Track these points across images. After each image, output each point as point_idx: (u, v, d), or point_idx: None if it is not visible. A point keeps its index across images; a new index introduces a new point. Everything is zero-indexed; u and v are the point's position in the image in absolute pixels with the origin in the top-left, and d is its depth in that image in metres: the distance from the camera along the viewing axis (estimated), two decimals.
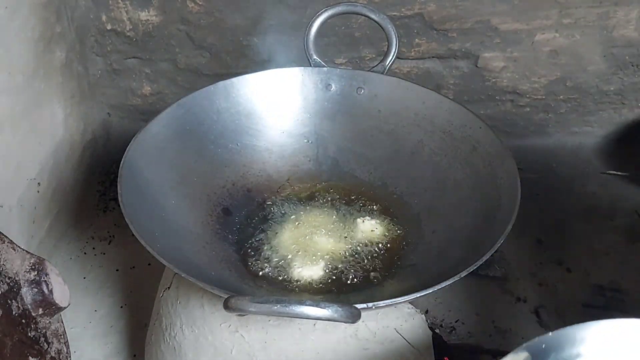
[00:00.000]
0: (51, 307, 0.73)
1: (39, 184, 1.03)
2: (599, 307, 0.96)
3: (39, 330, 0.72)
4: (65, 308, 0.74)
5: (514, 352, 0.49)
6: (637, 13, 1.11)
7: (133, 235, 0.64)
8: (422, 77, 1.22)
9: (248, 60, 1.22)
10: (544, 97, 1.23)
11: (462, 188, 0.80)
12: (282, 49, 1.20)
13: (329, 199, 0.87)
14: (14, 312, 0.68)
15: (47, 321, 0.74)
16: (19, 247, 0.73)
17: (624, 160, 1.23)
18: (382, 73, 0.89)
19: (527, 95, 1.23)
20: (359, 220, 0.83)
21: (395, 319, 0.71)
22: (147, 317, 0.86)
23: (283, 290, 0.74)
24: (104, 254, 1.09)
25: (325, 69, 0.91)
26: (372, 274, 0.76)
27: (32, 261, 0.73)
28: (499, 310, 0.96)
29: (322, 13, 0.89)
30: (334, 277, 0.76)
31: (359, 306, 0.57)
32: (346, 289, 0.74)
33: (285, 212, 0.84)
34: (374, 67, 0.90)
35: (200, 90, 0.87)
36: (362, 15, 0.89)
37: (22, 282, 0.71)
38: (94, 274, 1.05)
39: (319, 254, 0.78)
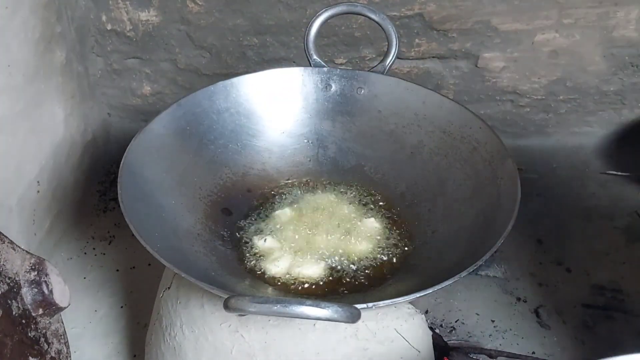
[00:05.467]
0: (51, 307, 0.73)
1: (38, 183, 1.03)
2: (599, 307, 0.96)
3: (39, 331, 0.72)
4: (65, 308, 0.74)
5: None
6: (637, 13, 1.11)
7: (133, 235, 0.64)
8: (422, 77, 1.22)
9: (248, 60, 1.22)
10: (544, 97, 1.23)
11: (462, 188, 0.80)
12: (282, 49, 1.20)
13: (329, 199, 0.87)
14: (14, 312, 0.68)
15: (47, 321, 0.74)
16: (19, 247, 0.73)
17: (624, 160, 1.23)
18: (382, 73, 0.89)
19: (527, 96, 1.23)
20: (358, 219, 0.83)
21: (395, 319, 0.71)
22: (147, 317, 0.86)
23: (283, 290, 0.74)
24: (104, 254, 1.09)
25: (325, 69, 0.91)
26: (372, 273, 0.76)
27: (32, 261, 0.73)
28: (499, 310, 0.96)
29: (322, 13, 0.89)
30: (334, 277, 0.76)
31: (359, 306, 0.57)
32: (346, 288, 0.74)
33: (285, 212, 0.84)
34: (374, 67, 0.90)
35: (200, 90, 0.87)
36: (362, 15, 0.89)
37: (22, 282, 0.71)
38: (94, 274, 1.05)
39: (319, 253, 0.78)
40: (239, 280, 0.74)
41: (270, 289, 0.74)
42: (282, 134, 0.91)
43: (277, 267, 0.76)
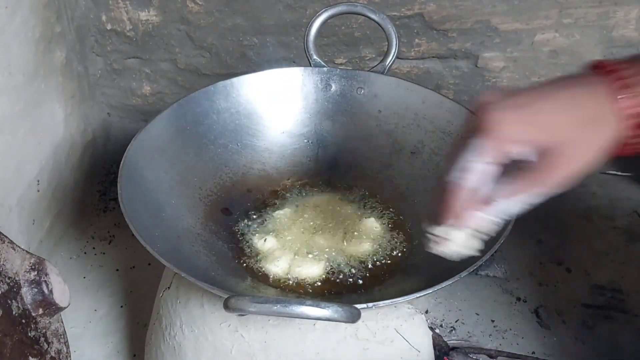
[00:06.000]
0: (51, 307, 0.73)
1: (38, 183, 1.03)
2: (599, 307, 0.96)
3: (39, 330, 0.72)
4: (65, 308, 0.74)
5: None
6: (637, 13, 1.11)
7: (133, 235, 0.64)
8: (422, 77, 1.22)
9: (248, 60, 1.22)
10: None
11: None
12: (282, 50, 1.20)
13: (329, 199, 0.87)
14: (14, 312, 0.68)
15: (47, 321, 0.74)
16: (19, 247, 0.73)
17: (624, 160, 1.23)
18: (382, 73, 0.89)
19: None
20: (358, 219, 0.83)
21: (395, 319, 0.71)
22: (147, 317, 0.86)
23: (283, 290, 0.74)
24: (104, 254, 1.09)
25: (325, 69, 0.91)
26: (372, 273, 0.76)
27: (32, 261, 0.73)
28: (499, 310, 0.96)
29: (322, 13, 0.89)
30: (334, 277, 0.76)
31: (359, 306, 0.57)
32: (346, 288, 0.74)
33: (285, 212, 0.84)
34: (374, 67, 0.90)
35: (200, 90, 0.87)
36: (362, 15, 0.89)
37: (22, 282, 0.71)
38: (94, 274, 1.05)
39: (319, 253, 0.78)
40: (239, 280, 0.74)
41: (270, 289, 0.74)
42: (282, 134, 0.91)
43: (277, 267, 0.76)
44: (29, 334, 0.70)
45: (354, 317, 0.56)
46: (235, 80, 0.89)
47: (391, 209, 0.85)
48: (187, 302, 0.74)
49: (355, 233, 0.81)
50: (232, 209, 0.85)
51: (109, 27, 1.20)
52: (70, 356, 0.78)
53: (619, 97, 0.48)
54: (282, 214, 0.83)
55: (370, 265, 0.77)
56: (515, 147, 0.49)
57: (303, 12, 1.14)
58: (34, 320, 0.71)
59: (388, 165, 0.89)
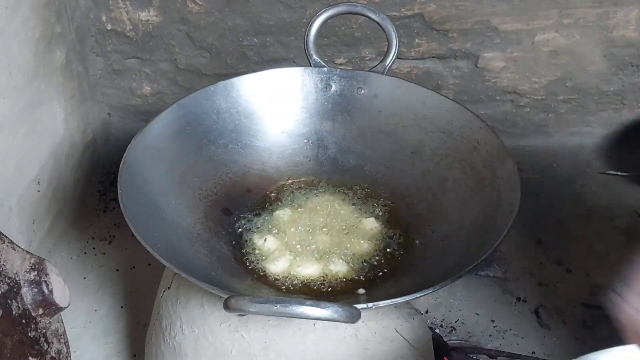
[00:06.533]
0: (51, 307, 0.73)
1: (38, 183, 1.03)
2: (599, 307, 0.96)
3: (39, 330, 0.72)
4: (65, 308, 0.74)
5: None
6: (637, 13, 1.11)
7: (133, 235, 0.64)
8: (422, 77, 1.22)
9: (248, 60, 1.22)
10: (544, 97, 1.23)
11: (462, 188, 0.80)
12: (281, 49, 1.20)
13: (329, 199, 0.87)
14: (14, 312, 0.68)
15: (47, 321, 0.74)
16: (19, 247, 0.73)
17: (624, 160, 1.23)
18: (382, 73, 0.89)
19: (527, 96, 1.23)
20: (358, 219, 0.83)
21: (395, 319, 0.71)
22: (147, 317, 0.86)
23: (283, 290, 0.74)
24: (104, 254, 1.09)
25: (325, 69, 0.91)
26: (371, 273, 0.76)
27: (32, 261, 0.73)
28: (499, 310, 0.96)
29: (322, 13, 0.89)
30: (334, 277, 0.76)
31: (359, 306, 0.57)
32: (346, 288, 0.74)
33: (285, 212, 0.84)
34: (374, 67, 0.90)
35: (200, 90, 0.87)
36: (362, 15, 0.89)
37: (22, 282, 0.71)
38: (94, 274, 1.05)
39: (318, 253, 0.78)
40: (239, 280, 0.74)
41: (270, 289, 0.74)
42: (282, 134, 0.91)
43: (277, 266, 0.76)
44: (29, 334, 0.70)
45: (354, 317, 0.56)
46: (235, 80, 0.89)
47: (391, 209, 0.85)
48: (187, 302, 0.74)
49: (355, 233, 0.81)
50: (232, 209, 0.85)
51: (109, 27, 1.20)
52: (70, 356, 0.78)
53: None
54: (282, 214, 0.83)
55: (370, 265, 0.77)
56: None
57: (303, 12, 1.14)
58: (34, 321, 0.71)
59: (388, 165, 0.89)
